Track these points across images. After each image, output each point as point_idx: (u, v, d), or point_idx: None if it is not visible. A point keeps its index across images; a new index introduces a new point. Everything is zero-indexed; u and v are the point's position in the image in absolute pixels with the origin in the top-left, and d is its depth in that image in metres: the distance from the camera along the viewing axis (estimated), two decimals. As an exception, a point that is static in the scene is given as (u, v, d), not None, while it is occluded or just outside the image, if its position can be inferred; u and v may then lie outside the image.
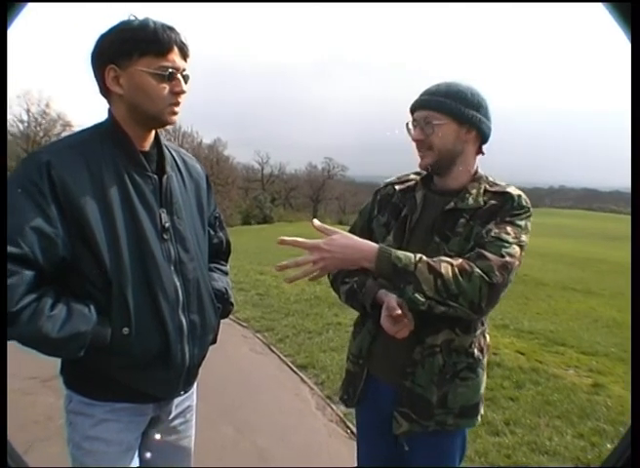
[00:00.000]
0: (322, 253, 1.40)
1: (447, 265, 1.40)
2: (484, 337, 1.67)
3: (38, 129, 42.86)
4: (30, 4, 1.14)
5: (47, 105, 42.68)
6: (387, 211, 1.74)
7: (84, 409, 1.50)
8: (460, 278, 1.38)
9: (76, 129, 1.47)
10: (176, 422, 1.69)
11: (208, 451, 2.91)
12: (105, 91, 1.44)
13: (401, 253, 1.41)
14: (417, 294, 1.40)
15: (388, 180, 1.82)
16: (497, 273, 1.39)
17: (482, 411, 1.69)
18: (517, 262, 1.45)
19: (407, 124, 1.62)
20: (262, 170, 67.76)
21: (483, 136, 1.62)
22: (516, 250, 1.45)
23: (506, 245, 1.44)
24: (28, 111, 41.86)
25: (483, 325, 1.66)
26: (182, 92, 1.43)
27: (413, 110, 1.62)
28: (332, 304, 6.57)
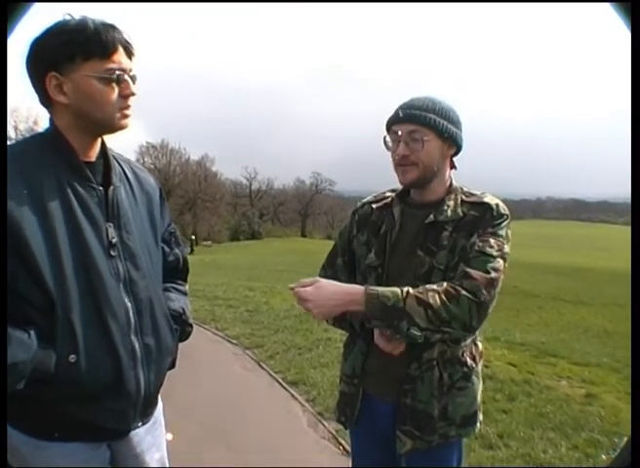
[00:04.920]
0: (309, 305, 1.44)
1: (434, 294, 1.41)
2: (475, 345, 1.67)
3: (26, 146, 42.61)
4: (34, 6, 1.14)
5: (35, 123, 42.50)
6: (367, 229, 1.72)
7: (30, 451, 1.33)
8: (448, 304, 1.40)
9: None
10: (147, 458, 1.54)
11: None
12: (47, 100, 1.31)
13: (387, 291, 1.42)
14: (412, 330, 1.42)
15: (365, 200, 1.81)
16: (484, 292, 1.42)
17: (481, 418, 1.70)
18: (502, 276, 1.48)
19: (384, 138, 1.60)
20: (250, 185, 68.24)
21: (458, 152, 1.64)
22: (500, 263, 1.48)
23: (491, 259, 1.47)
24: (16, 128, 41.66)
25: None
26: (132, 94, 1.33)
27: (392, 123, 1.59)
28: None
